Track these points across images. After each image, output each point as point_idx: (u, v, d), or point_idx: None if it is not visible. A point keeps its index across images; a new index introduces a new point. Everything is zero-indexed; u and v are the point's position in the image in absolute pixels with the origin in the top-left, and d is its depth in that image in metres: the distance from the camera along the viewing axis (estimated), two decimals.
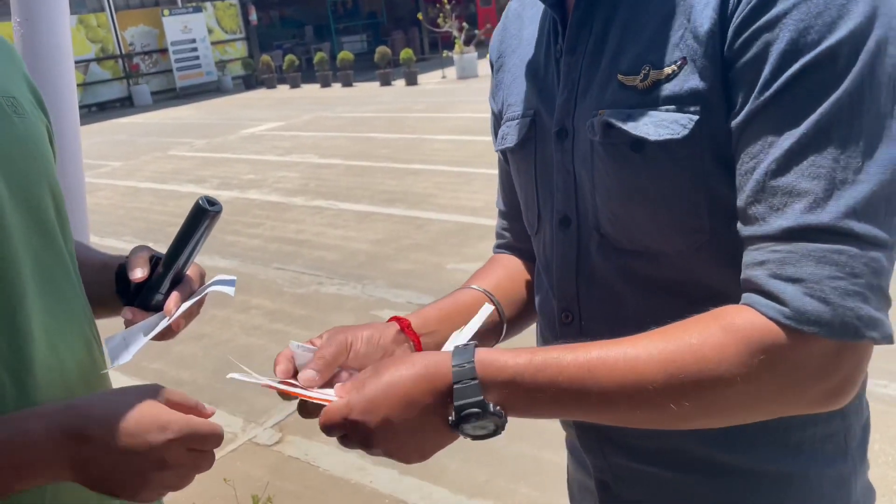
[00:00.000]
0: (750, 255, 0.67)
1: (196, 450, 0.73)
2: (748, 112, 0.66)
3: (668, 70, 0.72)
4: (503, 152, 0.97)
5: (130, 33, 18.74)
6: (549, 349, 0.69)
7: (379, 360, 0.78)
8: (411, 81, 15.73)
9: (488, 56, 1.03)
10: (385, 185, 7.24)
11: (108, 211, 7.41)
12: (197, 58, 19.48)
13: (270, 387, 0.77)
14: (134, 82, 18.54)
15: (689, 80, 0.70)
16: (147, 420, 0.70)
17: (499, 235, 1.10)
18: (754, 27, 0.65)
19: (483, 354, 0.69)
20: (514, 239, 1.06)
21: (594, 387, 0.66)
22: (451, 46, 15.93)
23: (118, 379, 0.97)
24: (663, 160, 0.73)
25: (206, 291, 0.93)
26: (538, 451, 2.72)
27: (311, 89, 17.37)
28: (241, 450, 2.99)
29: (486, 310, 0.89)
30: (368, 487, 2.64)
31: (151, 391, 0.74)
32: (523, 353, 0.69)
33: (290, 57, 18.55)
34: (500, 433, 0.69)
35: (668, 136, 0.71)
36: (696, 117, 0.70)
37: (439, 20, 15.31)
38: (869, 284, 0.61)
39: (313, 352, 0.80)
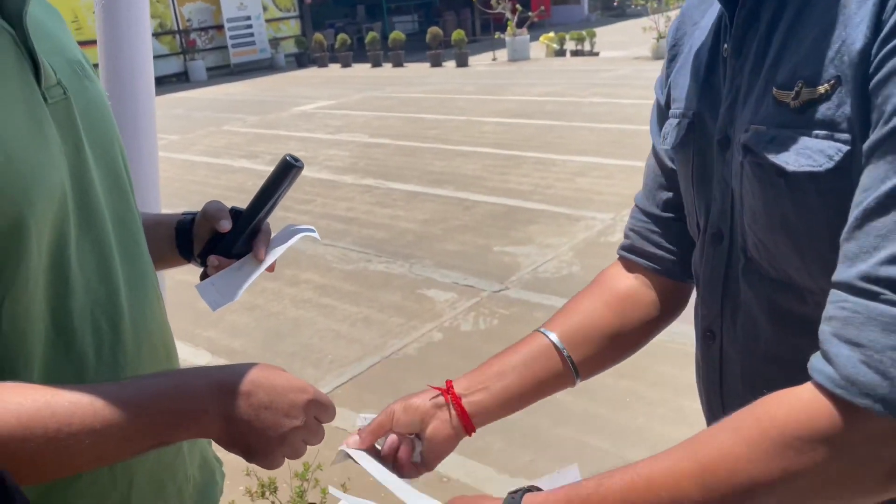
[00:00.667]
0: (827, 306, 0.60)
1: (317, 419, 0.80)
2: (872, 142, 0.59)
3: (821, 89, 0.63)
4: (666, 151, 0.91)
5: (188, 9, 19.05)
6: (589, 483, 0.68)
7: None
8: (462, 63, 15.67)
9: (665, 43, 0.96)
10: (434, 166, 7.26)
11: (164, 184, 7.54)
12: (251, 35, 19.72)
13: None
14: (190, 58, 18.87)
15: (843, 104, 0.62)
16: (289, 382, 0.78)
17: (626, 235, 1.02)
18: (890, 46, 0.58)
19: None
20: (645, 241, 0.98)
21: None
22: (503, 28, 15.80)
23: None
24: (808, 190, 0.65)
25: (295, 238, 1.00)
26: (582, 435, 2.74)
27: (362, 69, 17.45)
28: None
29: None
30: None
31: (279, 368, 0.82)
32: (562, 495, 0.68)
33: (342, 36, 18.64)
34: None
35: (809, 168, 0.64)
36: (846, 147, 0.62)
37: (492, 1, 15.18)
38: None
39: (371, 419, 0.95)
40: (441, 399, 0.93)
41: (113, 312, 0.82)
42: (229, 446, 0.76)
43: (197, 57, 19.00)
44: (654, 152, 0.97)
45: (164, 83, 17.84)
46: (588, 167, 6.57)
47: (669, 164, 0.93)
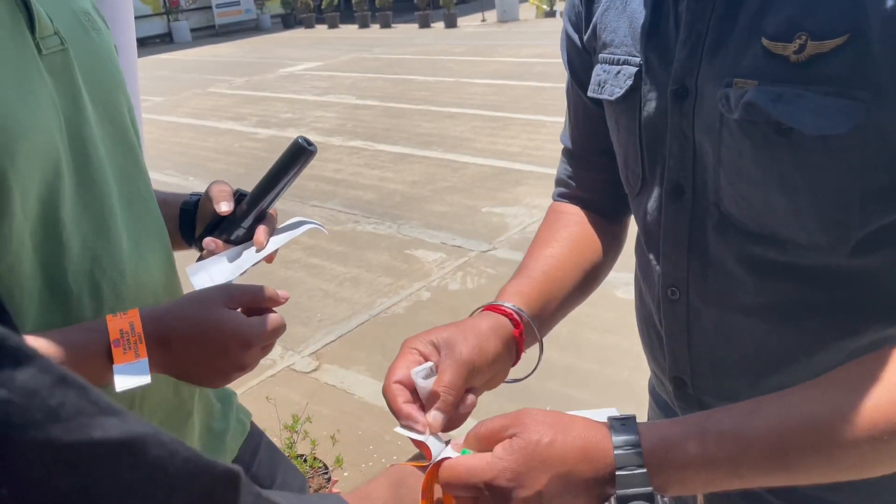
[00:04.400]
0: None
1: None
2: None
3: (831, 44, 0.58)
4: (597, 101, 0.83)
5: None
6: (720, 418, 0.59)
7: (520, 417, 0.61)
8: (450, 24, 15.48)
9: None
10: (422, 128, 7.23)
11: (150, 145, 7.47)
12: None
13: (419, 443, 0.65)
14: (174, 18, 18.53)
15: (861, 60, 0.57)
16: (229, 338, 0.76)
17: (561, 182, 0.96)
18: None
19: (648, 435, 0.59)
20: (580, 188, 0.94)
21: (783, 460, 0.57)
22: None
23: None
24: (815, 151, 0.61)
25: (301, 230, 0.95)
26: (569, 388, 2.80)
27: (349, 30, 17.19)
28: (280, 376, 3.12)
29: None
30: None
31: (226, 296, 0.77)
32: (693, 428, 0.59)
33: None
34: None
35: (830, 132, 0.59)
36: (864, 106, 0.57)
37: None
38: None
39: (430, 369, 0.69)
40: (512, 339, 0.76)
41: (114, 273, 0.79)
42: (175, 378, 0.78)
43: (181, 17, 18.66)
44: (578, 91, 0.89)
45: (148, 44, 17.51)
46: None
47: (594, 107, 0.86)
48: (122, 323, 0.71)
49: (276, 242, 0.92)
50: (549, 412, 0.62)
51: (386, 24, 16.73)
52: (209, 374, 0.78)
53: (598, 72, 0.81)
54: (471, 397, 0.70)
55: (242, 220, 0.92)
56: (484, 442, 0.61)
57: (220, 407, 1.04)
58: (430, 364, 0.69)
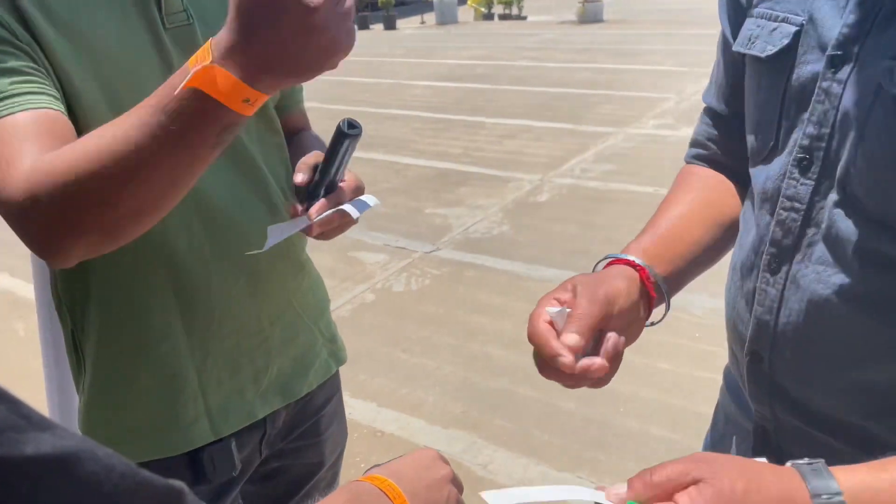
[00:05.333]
0: None
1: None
2: None
3: None
4: (744, 56, 0.79)
5: None
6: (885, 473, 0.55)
7: (703, 461, 0.56)
8: (390, 26, 15.48)
9: None
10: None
11: None
12: None
13: None
14: None
15: None
16: None
17: (698, 143, 0.93)
18: None
19: (848, 481, 0.54)
20: (720, 151, 0.90)
21: None
22: None
23: None
24: None
25: (339, 208, 1.00)
26: (515, 386, 2.83)
27: None
28: None
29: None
30: (348, 418, 2.73)
31: None
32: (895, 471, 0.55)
33: None
34: None
35: None
36: None
37: None
38: None
39: (566, 312, 0.73)
40: (641, 283, 0.79)
41: (208, 216, 0.92)
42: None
43: None
44: (728, 48, 0.86)
45: None
46: (516, 130, 6.64)
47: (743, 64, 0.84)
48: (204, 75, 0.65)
49: (323, 214, 0.99)
50: (729, 456, 0.58)
51: None
52: (289, 53, 0.65)
53: (750, 26, 0.78)
54: (612, 335, 0.73)
55: (317, 191, 1.01)
56: (658, 489, 0.54)
57: (320, 339, 1.13)
58: (566, 310, 0.73)
